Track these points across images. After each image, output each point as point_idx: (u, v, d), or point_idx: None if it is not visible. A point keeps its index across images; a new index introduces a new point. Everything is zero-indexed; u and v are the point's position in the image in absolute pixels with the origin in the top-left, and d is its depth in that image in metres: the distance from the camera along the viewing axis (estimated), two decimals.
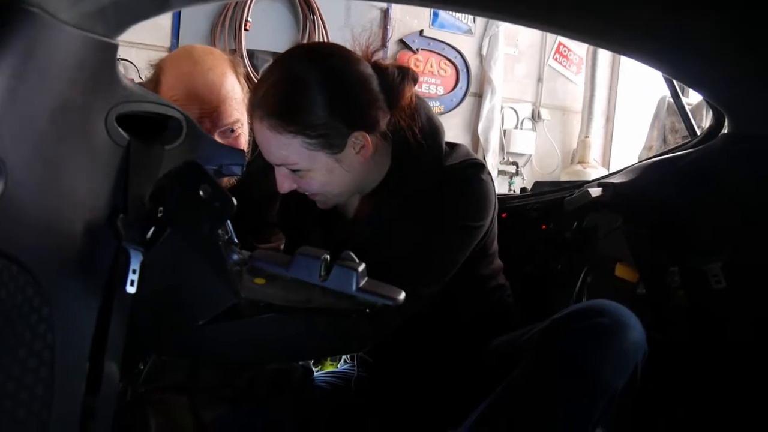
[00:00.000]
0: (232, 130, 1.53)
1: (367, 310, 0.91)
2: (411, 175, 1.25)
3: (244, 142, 1.58)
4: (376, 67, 1.24)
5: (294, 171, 1.21)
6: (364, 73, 1.21)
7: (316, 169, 1.20)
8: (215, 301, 0.89)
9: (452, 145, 1.32)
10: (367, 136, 1.20)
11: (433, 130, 1.28)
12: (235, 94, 1.54)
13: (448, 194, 1.24)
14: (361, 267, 0.91)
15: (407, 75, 1.26)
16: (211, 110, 1.48)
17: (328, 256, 0.92)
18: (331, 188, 1.24)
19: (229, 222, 0.96)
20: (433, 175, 1.25)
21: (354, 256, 0.92)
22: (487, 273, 1.40)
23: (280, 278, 0.92)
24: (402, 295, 0.91)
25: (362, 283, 0.90)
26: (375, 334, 1.15)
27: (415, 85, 1.27)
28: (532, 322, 1.29)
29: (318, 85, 1.15)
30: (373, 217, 1.29)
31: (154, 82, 1.53)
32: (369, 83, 1.20)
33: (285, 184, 1.23)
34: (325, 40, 4.46)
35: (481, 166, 1.27)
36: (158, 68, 1.55)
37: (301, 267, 0.91)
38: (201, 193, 0.83)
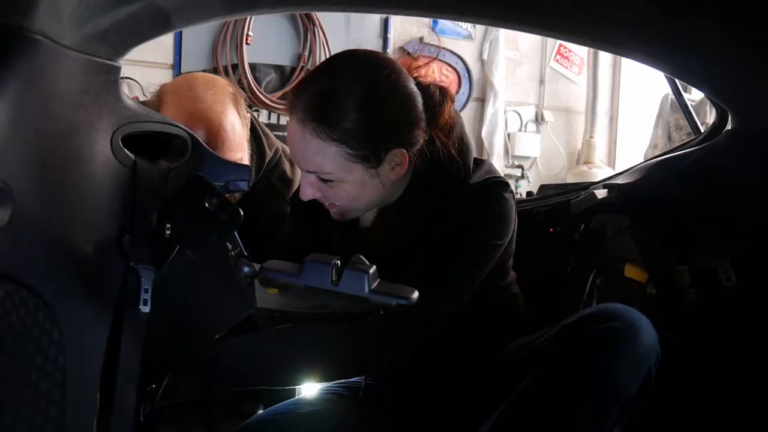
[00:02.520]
0: None
1: (381, 312, 0.91)
2: (434, 191, 1.24)
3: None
4: (419, 84, 1.22)
5: (324, 181, 1.18)
6: (413, 90, 1.19)
7: (349, 181, 1.18)
8: (230, 314, 0.89)
9: (477, 163, 1.30)
10: (406, 154, 1.19)
11: (463, 148, 1.27)
12: (234, 134, 1.51)
13: (471, 212, 1.22)
14: (372, 269, 0.91)
15: (447, 95, 1.25)
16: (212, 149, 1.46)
17: (338, 261, 0.91)
18: (358, 202, 1.22)
19: (237, 236, 0.97)
20: (456, 192, 1.24)
21: (364, 259, 0.92)
22: (503, 285, 1.39)
23: (292, 287, 0.92)
24: (416, 294, 0.90)
25: (374, 284, 0.90)
26: (396, 353, 1.15)
27: (453, 104, 1.26)
28: (543, 326, 1.29)
29: (367, 97, 1.13)
30: (393, 231, 1.27)
31: None
32: (415, 101, 1.19)
33: (308, 191, 1.20)
34: (327, 52, 4.48)
35: (504, 185, 1.26)
36: (158, 100, 1.52)
37: (312, 273, 0.91)
38: (207, 205, 0.83)
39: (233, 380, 1.14)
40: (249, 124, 1.62)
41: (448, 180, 1.24)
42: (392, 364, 1.18)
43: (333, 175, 1.17)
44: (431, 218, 1.23)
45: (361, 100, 1.13)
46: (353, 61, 1.20)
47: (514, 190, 1.46)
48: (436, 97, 1.23)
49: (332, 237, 1.35)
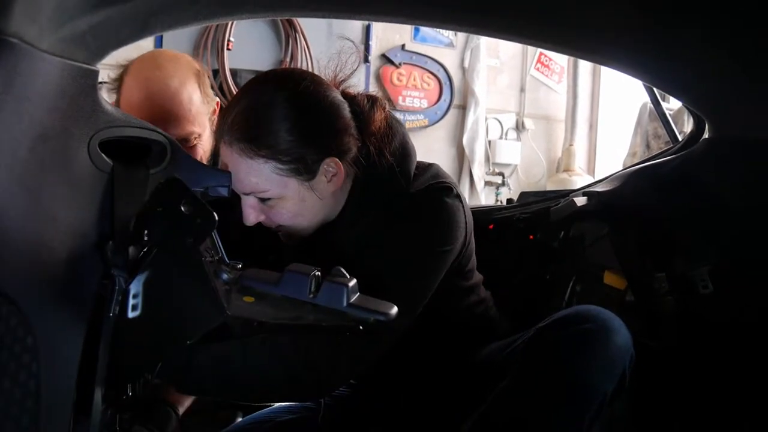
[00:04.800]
0: (186, 140, 1.49)
1: (360, 327, 0.90)
2: (374, 201, 1.22)
3: (199, 153, 1.55)
4: (346, 95, 1.23)
5: (263, 201, 1.17)
6: (336, 99, 1.19)
7: (287, 198, 1.16)
8: (203, 320, 0.87)
9: (422, 169, 1.28)
10: (340, 163, 1.17)
11: (404, 155, 1.25)
12: (191, 106, 1.50)
13: (412, 221, 1.20)
14: (352, 282, 0.90)
15: (376, 102, 1.24)
16: (163, 117, 1.44)
17: (318, 273, 0.91)
18: (302, 219, 1.20)
19: (219, 242, 0.96)
20: (396, 202, 1.21)
21: (345, 272, 0.91)
22: (466, 288, 1.37)
23: (269, 296, 0.91)
24: (394, 310, 0.90)
25: (353, 298, 0.89)
26: (350, 370, 1.15)
27: (384, 111, 1.25)
28: (521, 332, 1.29)
29: (288, 109, 1.13)
30: (337, 246, 1.24)
31: (118, 82, 1.53)
32: (340, 109, 1.19)
33: (251, 215, 1.18)
34: (308, 58, 4.48)
35: (446, 189, 1.23)
36: (124, 69, 1.54)
37: (290, 284, 0.90)
38: (183, 209, 0.82)
39: (201, 390, 1.12)
40: (215, 106, 1.62)
41: (388, 189, 1.22)
42: (347, 381, 1.16)
43: (270, 193, 1.16)
44: (373, 231, 1.21)
45: (281, 112, 1.13)
46: (269, 78, 1.21)
47: (494, 197, 1.45)
48: (364, 104, 1.23)
49: (283, 255, 1.33)
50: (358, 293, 0.91)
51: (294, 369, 1.07)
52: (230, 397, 1.24)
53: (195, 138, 1.52)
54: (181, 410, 1.43)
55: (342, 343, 1.10)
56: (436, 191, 1.22)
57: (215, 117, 1.63)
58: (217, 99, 1.65)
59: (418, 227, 1.20)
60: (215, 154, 1.64)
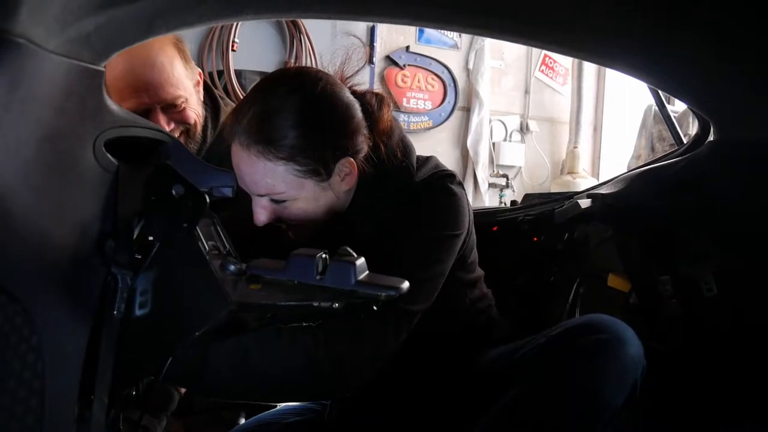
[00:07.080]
0: (175, 105, 1.55)
1: (374, 307, 0.89)
2: (383, 194, 1.23)
3: (191, 117, 1.60)
4: (355, 93, 1.23)
5: (277, 201, 1.17)
6: (349, 99, 1.19)
7: (302, 198, 1.16)
8: (207, 308, 0.87)
9: (422, 161, 1.30)
10: (354, 162, 1.18)
11: (405, 149, 1.27)
12: (173, 70, 1.55)
13: (420, 209, 1.22)
14: (360, 261, 0.89)
15: (384, 101, 1.26)
16: (146, 85, 1.49)
17: (325, 254, 0.90)
18: (314, 216, 1.20)
19: (225, 235, 0.96)
20: (402, 192, 1.23)
21: (351, 251, 0.90)
22: (469, 282, 1.38)
23: (277, 283, 0.90)
24: (405, 284, 0.88)
25: (361, 276, 0.88)
26: (374, 361, 1.13)
27: (390, 109, 1.26)
28: (523, 334, 1.28)
29: (307, 111, 1.12)
30: (349, 239, 1.25)
31: None
32: (354, 110, 1.19)
33: (263, 216, 1.18)
34: (313, 59, 4.48)
35: (450, 176, 1.26)
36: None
37: (297, 268, 0.89)
38: (174, 193, 0.82)
39: (219, 389, 1.11)
40: (198, 78, 1.67)
41: (396, 181, 1.24)
42: (372, 374, 1.15)
43: (285, 195, 1.15)
44: (384, 220, 1.22)
45: (300, 114, 1.12)
46: (285, 78, 1.19)
47: (498, 199, 1.44)
48: (374, 104, 1.24)
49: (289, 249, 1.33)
50: (367, 271, 0.90)
51: (316, 362, 1.05)
52: (250, 396, 1.21)
53: (183, 102, 1.56)
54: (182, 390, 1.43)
55: (363, 332, 1.09)
56: (440, 179, 1.25)
57: (199, 88, 1.68)
58: (199, 70, 1.69)
59: (428, 213, 1.22)
60: (210, 156, 1.65)
